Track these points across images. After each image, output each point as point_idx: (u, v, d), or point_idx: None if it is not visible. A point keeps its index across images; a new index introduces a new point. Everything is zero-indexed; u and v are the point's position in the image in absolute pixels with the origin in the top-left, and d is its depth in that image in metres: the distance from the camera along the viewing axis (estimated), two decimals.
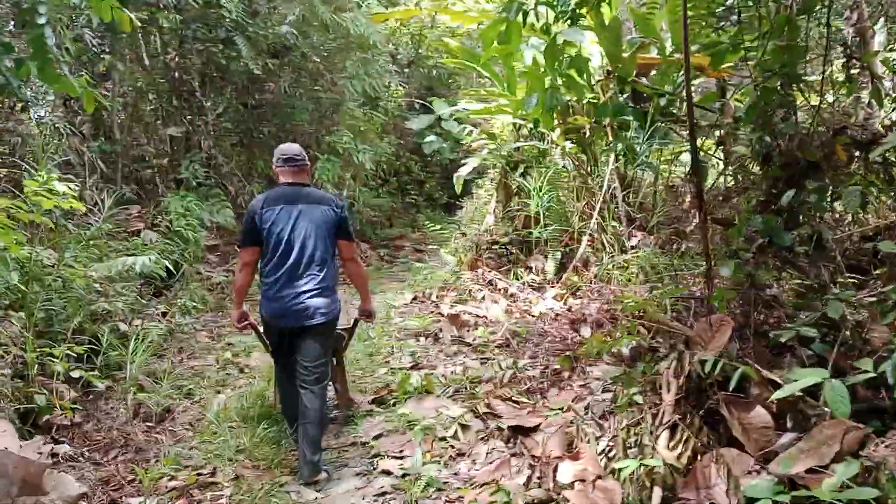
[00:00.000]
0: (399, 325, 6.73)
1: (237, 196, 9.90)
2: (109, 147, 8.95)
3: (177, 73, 9.70)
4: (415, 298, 8.05)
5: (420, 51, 16.17)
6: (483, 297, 7.05)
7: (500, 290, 7.11)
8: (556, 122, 7.30)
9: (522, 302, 6.81)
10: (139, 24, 9.25)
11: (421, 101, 15.05)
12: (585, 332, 5.53)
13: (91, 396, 4.55)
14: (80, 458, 3.82)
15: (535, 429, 3.80)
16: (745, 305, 3.76)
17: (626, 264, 6.37)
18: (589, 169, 7.38)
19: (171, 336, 6.20)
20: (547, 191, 6.99)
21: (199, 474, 3.71)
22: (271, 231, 3.77)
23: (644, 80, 7.44)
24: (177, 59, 9.64)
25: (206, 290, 7.92)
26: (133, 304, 5.97)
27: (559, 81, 4.02)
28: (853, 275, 4.34)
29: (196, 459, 3.90)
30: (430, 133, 14.34)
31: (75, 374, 4.36)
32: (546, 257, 7.21)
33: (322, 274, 3.83)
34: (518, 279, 7.19)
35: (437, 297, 7.62)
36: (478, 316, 6.55)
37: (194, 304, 7.04)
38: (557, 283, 7.07)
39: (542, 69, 5.95)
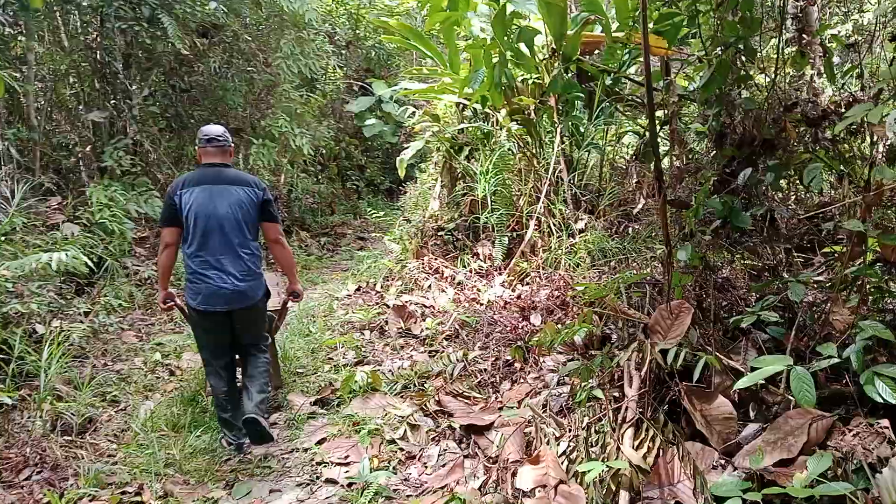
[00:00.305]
0: (342, 318, 6.43)
1: (166, 184, 9.34)
2: (26, 134, 8.28)
3: (98, 55, 9.04)
4: (358, 289, 7.76)
5: (358, 31, 15.71)
6: (430, 287, 6.82)
7: (446, 278, 6.89)
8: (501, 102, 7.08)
9: (470, 290, 6.61)
10: (55, 0, 8.61)
11: (360, 83, 14.63)
12: (536, 320, 5.37)
13: (2, 409, 4.12)
14: None
15: (489, 427, 3.60)
16: (700, 290, 3.63)
17: (574, 248, 6.22)
18: (535, 151, 7.20)
19: (94, 337, 5.74)
20: (493, 174, 6.78)
21: (123, 493, 3.37)
22: (191, 212, 3.73)
23: (587, 58, 7.29)
24: (98, 39, 8.98)
25: (133, 286, 7.42)
26: (51, 304, 5.49)
27: (508, 55, 3.76)
28: (801, 254, 4.29)
29: (120, 475, 3.54)
30: (370, 116, 13.97)
31: None
32: (493, 243, 7.01)
33: (245, 256, 3.82)
34: (465, 266, 6.98)
35: (382, 287, 7.35)
36: (425, 306, 6.31)
37: (120, 301, 6.56)
38: (505, 269, 6.90)
39: (488, 42, 5.69)
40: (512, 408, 3.74)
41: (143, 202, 8.51)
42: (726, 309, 3.77)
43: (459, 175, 7.92)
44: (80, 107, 9.04)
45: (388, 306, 6.31)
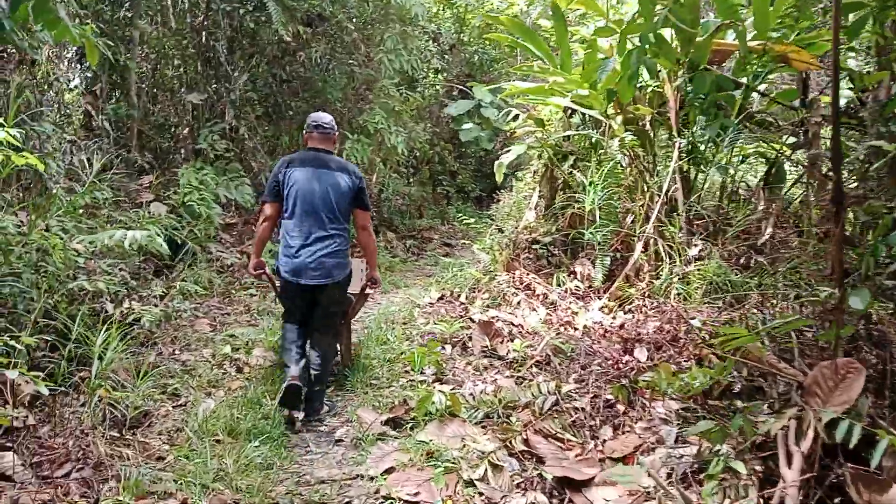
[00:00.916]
0: (423, 328, 5.96)
1: (259, 172, 9.20)
2: (125, 111, 8.31)
3: (203, 37, 9.01)
4: (442, 298, 7.27)
5: (462, 35, 15.33)
6: (519, 303, 6.24)
7: (538, 296, 6.30)
8: (614, 109, 6.44)
9: (564, 312, 5.99)
10: None
11: (461, 86, 14.23)
12: (641, 355, 4.70)
13: (58, 392, 3.85)
14: (26, 471, 3.11)
15: (589, 482, 3.00)
16: (872, 346, 2.91)
17: (688, 277, 5.51)
18: (648, 166, 6.52)
19: (166, 322, 5.50)
20: (603, 187, 6.13)
21: None
22: (292, 190, 4.05)
23: (715, 69, 6.56)
24: (204, 21, 8.96)
25: (214, 273, 7.23)
26: (126, 283, 5.28)
27: (651, 39, 3.19)
28: None
29: (164, 484, 3.17)
30: (468, 120, 13.54)
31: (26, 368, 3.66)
32: (593, 262, 6.37)
33: (336, 237, 4.11)
34: (560, 285, 6.36)
35: (468, 298, 6.84)
36: (513, 324, 5.75)
37: (198, 287, 6.32)
38: (605, 292, 6.24)
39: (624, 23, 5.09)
40: (617, 461, 3.13)
41: (234, 188, 8.36)
42: None
43: (560, 186, 7.31)
44: (182, 88, 9.02)
45: (472, 321, 5.78)
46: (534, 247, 6.87)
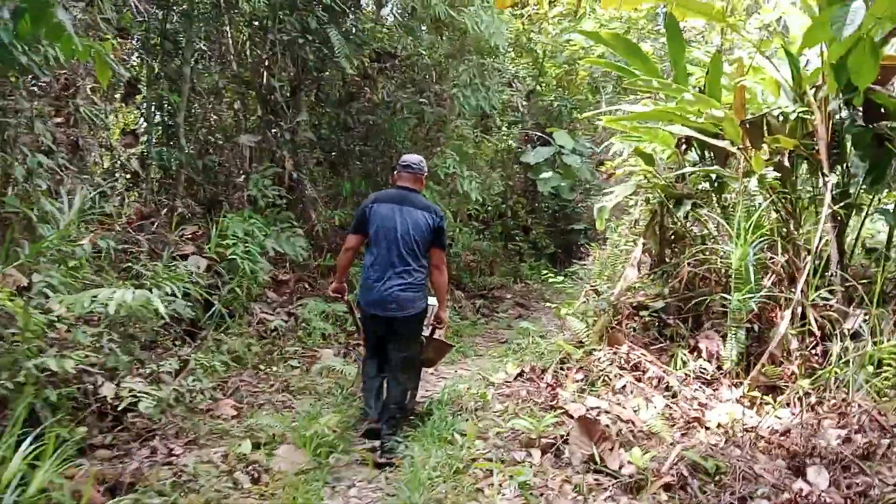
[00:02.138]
0: (500, 419, 4.61)
1: (315, 224, 8.19)
2: (172, 154, 7.52)
3: (263, 76, 8.20)
4: (521, 374, 5.92)
5: (541, 81, 14.24)
6: (625, 388, 4.82)
7: (651, 379, 4.86)
8: (746, 141, 5.06)
9: (688, 403, 4.53)
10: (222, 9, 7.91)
11: (539, 133, 13.09)
12: (820, 478, 3.21)
13: None
14: None
15: None
16: None
17: (873, 361, 3.98)
18: (792, 211, 5.08)
19: (177, 404, 4.35)
20: (750, 241, 4.65)
21: None
22: (377, 225, 4.29)
23: (881, 89, 5.11)
24: (263, 57, 8.17)
25: (252, 339, 6.13)
26: (130, 355, 4.20)
27: None
28: None
29: None
30: (547, 169, 12.33)
31: None
32: (724, 337, 4.90)
33: (414, 272, 4.27)
34: (680, 366, 4.91)
35: (555, 378, 5.45)
36: (620, 419, 4.32)
37: (224, 358, 5.21)
38: (742, 377, 4.75)
39: None
40: None
41: (285, 240, 7.34)
42: None
43: (672, 237, 5.92)
44: (238, 132, 8.20)
45: (569, 415, 4.39)
46: (640, 314, 5.46)
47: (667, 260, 5.93)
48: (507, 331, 10.02)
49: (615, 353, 5.12)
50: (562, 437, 4.01)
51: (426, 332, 4.84)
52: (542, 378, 5.67)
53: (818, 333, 4.75)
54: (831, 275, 5.04)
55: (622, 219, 7.50)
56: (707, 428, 4.24)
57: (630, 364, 5.03)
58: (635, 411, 4.44)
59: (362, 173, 8.76)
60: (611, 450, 3.77)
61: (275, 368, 5.75)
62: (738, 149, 4.95)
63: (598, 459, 3.71)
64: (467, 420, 4.63)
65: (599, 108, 15.06)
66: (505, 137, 12.03)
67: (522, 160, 11.96)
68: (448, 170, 8.03)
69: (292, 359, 6.00)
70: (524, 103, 13.41)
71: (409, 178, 4.49)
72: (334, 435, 4.24)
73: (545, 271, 8.54)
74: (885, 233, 5.95)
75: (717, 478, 3.35)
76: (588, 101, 14.71)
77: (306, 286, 7.91)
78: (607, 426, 4.10)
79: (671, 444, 3.94)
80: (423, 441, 4.16)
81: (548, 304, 12.48)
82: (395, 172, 4.62)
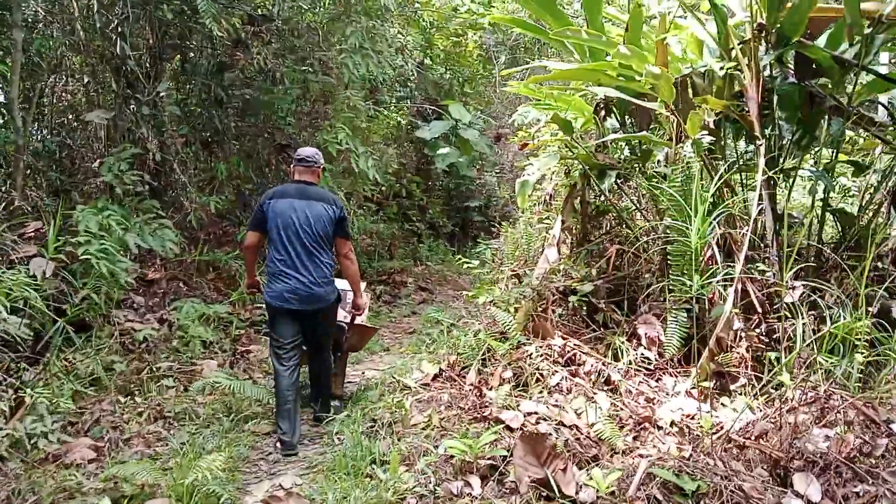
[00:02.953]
0: (423, 432, 3.92)
1: (187, 213, 7.10)
2: (3, 136, 6.20)
3: (114, 39, 6.92)
4: (439, 374, 5.25)
5: (427, 54, 13.43)
6: (561, 386, 4.25)
7: (588, 373, 4.32)
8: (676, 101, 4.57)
9: (634, 399, 4.02)
10: None
11: (432, 107, 12.38)
12: (810, 489, 2.75)
13: None
14: None
15: None
16: None
17: (827, 337, 3.60)
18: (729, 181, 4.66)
19: (10, 456, 3.32)
20: (679, 212, 4.17)
21: None
22: (277, 221, 4.33)
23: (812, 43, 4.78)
24: (111, 18, 6.90)
25: (115, 355, 5.07)
26: None
27: None
28: None
29: None
30: (444, 144, 11.67)
31: None
32: (664, 320, 4.43)
33: (320, 264, 4.37)
34: (619, 356, 4.39)
35: (482, 378, 4.81)
36: (563, 425, 3.74)
37: (78, 385, 4.18)
38: (684, 365, 4.31)
39: None
40: None
41: (150, 233, 6.23)
42: None
43: (594, 212, 5.41)
44: (84, 105, 6.92)
45: (506, 425, 3.74)
46: (568, 299, 4.90)
47: (590, 238, 5.42)
48: (413, 318, 9.36)
49: (547, 346, 4.53)
50: (503, 458, 3.36)
51: (346, 319, 5.01)
52: (465, 378, 5.03)
53: (759, 311, 4.39)
54: (766, 246, 4.70)
55: (532, 194, 6.95)
56: (660, 427, 3.74)
57: (564, 357, 4.47)
58: (578, 414, 3.87)
59: (241, 153, 7.71)
60: (563, 470, 3.16)
61: (147, 390, 4.74)
62: (672, 111, 4.45)
63: (549, 483, 3.09)
64: (385, 440, 3.90)
65: (492, 80, 14.63)
66: (395, 113, 11.24)
67: (418, 135, 11.22)
68: (340, 146, 7.16)
69: (166, 376, 5.01)
70: (413, 76, 12.63)
71: (306, 171, 4.52)
72: (221, 478, 3.38)
73: (459, 257, 7.84)
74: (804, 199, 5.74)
75: (693, 496, 2.81)
76: (480, 73, 14.16)
77: (181, 285, 6.84)
78: (552, 437, 3.50)
79: (629, 454, 3.40)
80: (336, 478, 3.39)
81: (451, 288, 11.97)
82: (292, 166, 4.64)
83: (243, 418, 4.50)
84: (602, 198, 5.25)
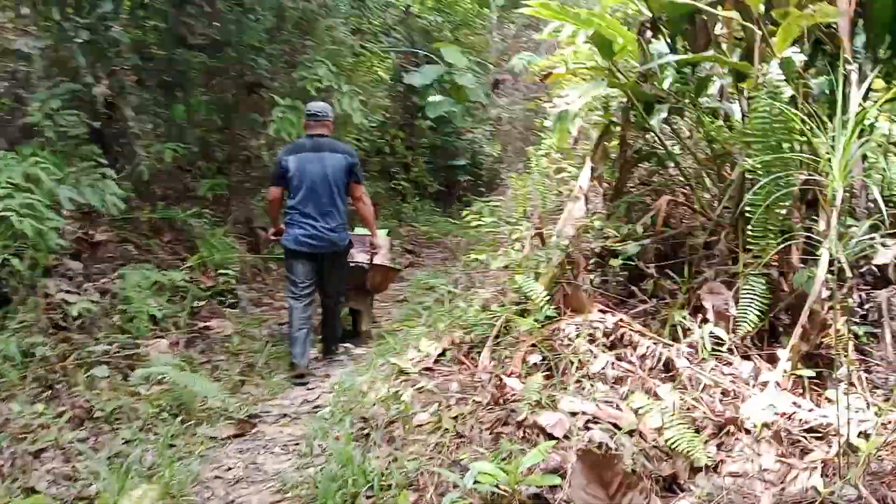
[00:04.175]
0: (433, 439, 2.96)
1: (138, 164, 5.98)
2: None
3: None
4: (444, 353, 4.29)
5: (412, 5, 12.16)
6: (606, 374, 3.29)
7: (643, 359, 3.36)
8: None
9: (707, 392, 3.08)
10: None
11: (423, 52, 11.18)
12: None
13: None
14: None
15: None
16: None
17: None
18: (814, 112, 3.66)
19: None
20: (764, 149, 3.18)
21: None
22: (295, 173, 4.71)
23: None
24: None
25: (38, 335, 4.03)
26: None
27: None
28: None
29: None
30: (435, 91, 10.54)
31: None
32: (735, 291, 3.46)
33: (335, 211, 4.73)
34: (675, 335, 3.44)
35: (495, 359, 3.85)
36: (616, 428, 2.79)
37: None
38: (762, 346, 3.37)
39: None
40: None
41: (88, 186, 5.13)
42: None
43: (634, 156, 4.39)
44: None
45: (540, 429, 2.78)
46: (609, 264, 3.92)
47: (628, 189, 4.42)
48: (401, 285, 8.38)
49: (585, 322, 3.56)
50: (553, 487, 2.39)
51: (366, 260, 5.27)
52: (475, 361, 4.07)
53: (849, 276, 3.44)
54: (853, 197, 3.76)
55: (554, 131, 5.92)
56: (747, 431, 2.81)
57: (608, 337, 3.50)
58: (638, 413, 2.92)
59: (202, 93, 6.58)
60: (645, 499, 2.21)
61: (71, 382, 3.71)
62: (759, 22, 3.41)
63: None
64: (383, 452, 2.93)
65: (489, 24, 13.43)
66: (380, 61, 10.07)
67: (406, 82, 10.06)
68: (321, 84, 6.06)
69: (101, 362, 3.97)
70: (397, 22, 11.41)
71: (317, 125, 4.85)
72: None
73: (467, 213, 6.82)
74: None
75: None
76: (474, 16, 12.95)
77: (131, 248, 5.77)
78: (616, 452, 2.54)
79: (717, 472, 2.46)
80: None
81: (439, 251, 10.98)
82: (304, 121, 5.02)
83: (195, 420, 3.50)
84: (645, 139, 4.24)
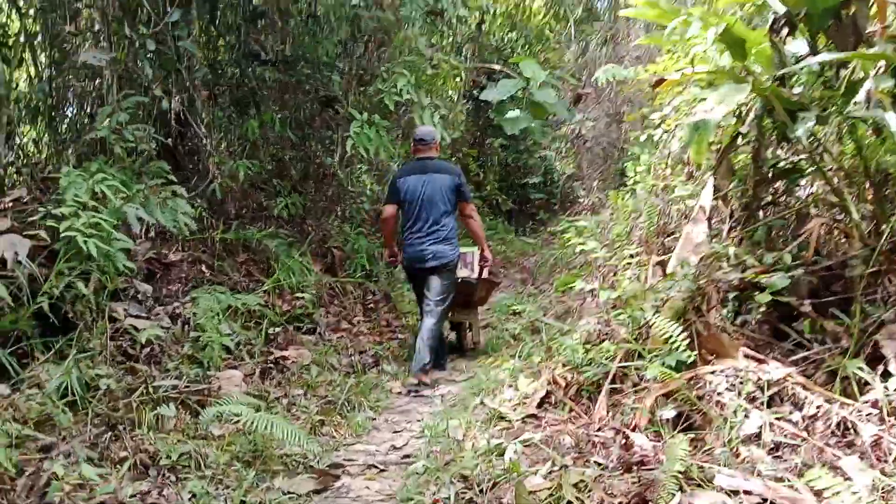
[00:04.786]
0: None
1: (211, 181, 5.70)
2: None
3: None
4: (547, 397, 3.75)
5: (484, 19, 11.75)
6: (762, 436, 2.68)
7: (809, 419, 2.73)
8: None
9: None
10: None
11: (497, 67, 10.73)
12: None
13: None
14: None
15: None
16: None
17: None
18: None
19: None
20: None
21: None
22: (407, 195, 5.01)
23: None
24: None
25: (105, 364, 3.69)
26: None
27: None
28: None
29: None
30: (512, 107, 10.03)
31: None
32: None
33: (445, 228, 4.99)
34: (845, 388, 2.80)
35: (611, 407, 3.28)
36: None
37: (45, 409, 2.80)
38: None
39: None
40: None
41: (160, 206, 4.82)
42: None
43: (770, 172, 3.77)
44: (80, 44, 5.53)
45: None
46: (752, 298, 3.30)
47: (759, 209, 3.80)
48: (484, 308, 7.88)
49: (734, 370, 2.96)
50: None
51: (474, 275, 5.56)
52: (586, 406, 3.53)
53: None
54: None
55: (648, 147, 5.34)
56: None
57: (765, 390, 2.89)
58: (822, 497, 2.31)
59: (276, 109, 6.28)
60: None
61: (136, 420, 3.32)
62: None
63: None
64: None
65: (563, 38, 12.91)
66: (452, 78, 9.67)
67: (482, 97, 9.59)
68: (400, 97, 5.66)
69: (169, 397, 3.58)
70: (467, 42, 10.97)
71: (425, 148, 5.12)
72: None
73: (558, 231, 6.33)
74: None
75: None
76: (548, 31, 12.47)
77: (203, 269, 5.45)
78: None
79: None
80: None
81: (517, 271, 10.43)
82: (412, 146, 5.25)
83: (271, 470, 3.05)
84: (790, 151, 3.62)
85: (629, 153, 9.24)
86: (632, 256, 4.29)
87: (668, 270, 3.80)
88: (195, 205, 5.45)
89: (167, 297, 5.02)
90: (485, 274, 5.59)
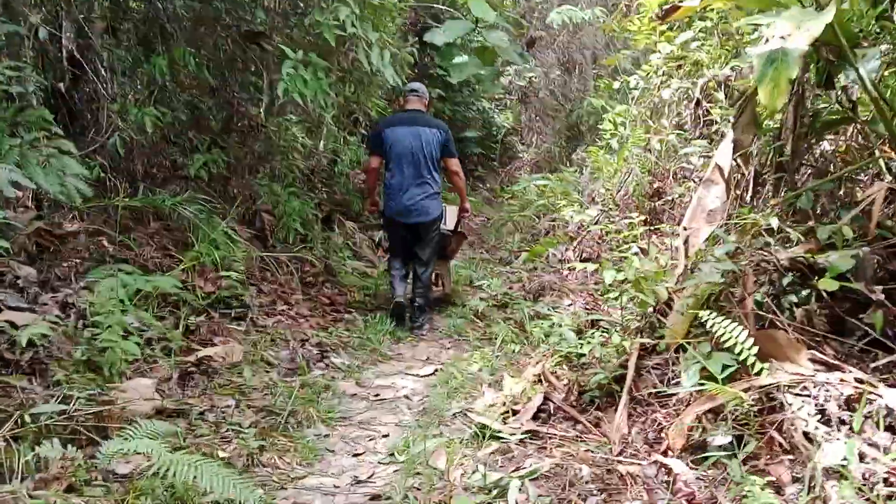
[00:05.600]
0: None
1: (113, 131, 4.64)
2: None
3: None
4: (544, 404, 3.06)
5: None
6: (855, 468, 2.06)
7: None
8: None
9: None
10: None
11: (440, 6, 9.74)
12: None
13: None
14: None
15: None
16: None
17: None
18: None
19: None
20: None
21: None
22: (392, 146, 4.88)
23: None
24: None
25: None
26: None
27: None
28: None
29: None
30: (459, 52, 9.12)
31: None
32: None
33: (430, 182, 4.91)
34: None
35: (634, 418, 2.62)
36: None
37: None
38: None
39: None
40: None
41: (39, 166, 3.77)
42: None
43: (819, 124, 3.11)
44: None
45: None
46: (817, 283, 2.66)
47: (798, 170, 3.15)
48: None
49: (801, 377, 2.32)
50: None
51: (451, 227, 5.52)
52: (593, 417, 2.87)
53: None
54: None
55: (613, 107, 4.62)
56: None
57: (835, 400, 2.26)
58: None
59: (190, 48, 5.20)
60: None
61: (6, 467, 2.42)
62: None
63: None
64: None
65: None
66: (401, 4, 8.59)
67: (427, 39, 8.63)
68: (343, 32, 4.70)
69: (56, 426, 2.67)
70: None
71: (416, 101, 5.12)
72: None
73: (507, 191, 5.57)
74: None
75: None
76: None
77: (104, 244, 4.44)
78: None
79: None
80: None
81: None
82: (403, 97, 5.30)
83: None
84: (839, 97, 2.96)
85: (586, 104, 8.57)
86: (631, 226, 3.59)
87: (678, 243, 3.12)
88: (91, 164, 4.41)
89: (58, 282, 4.02)
90: (461, 227, 5.67)
